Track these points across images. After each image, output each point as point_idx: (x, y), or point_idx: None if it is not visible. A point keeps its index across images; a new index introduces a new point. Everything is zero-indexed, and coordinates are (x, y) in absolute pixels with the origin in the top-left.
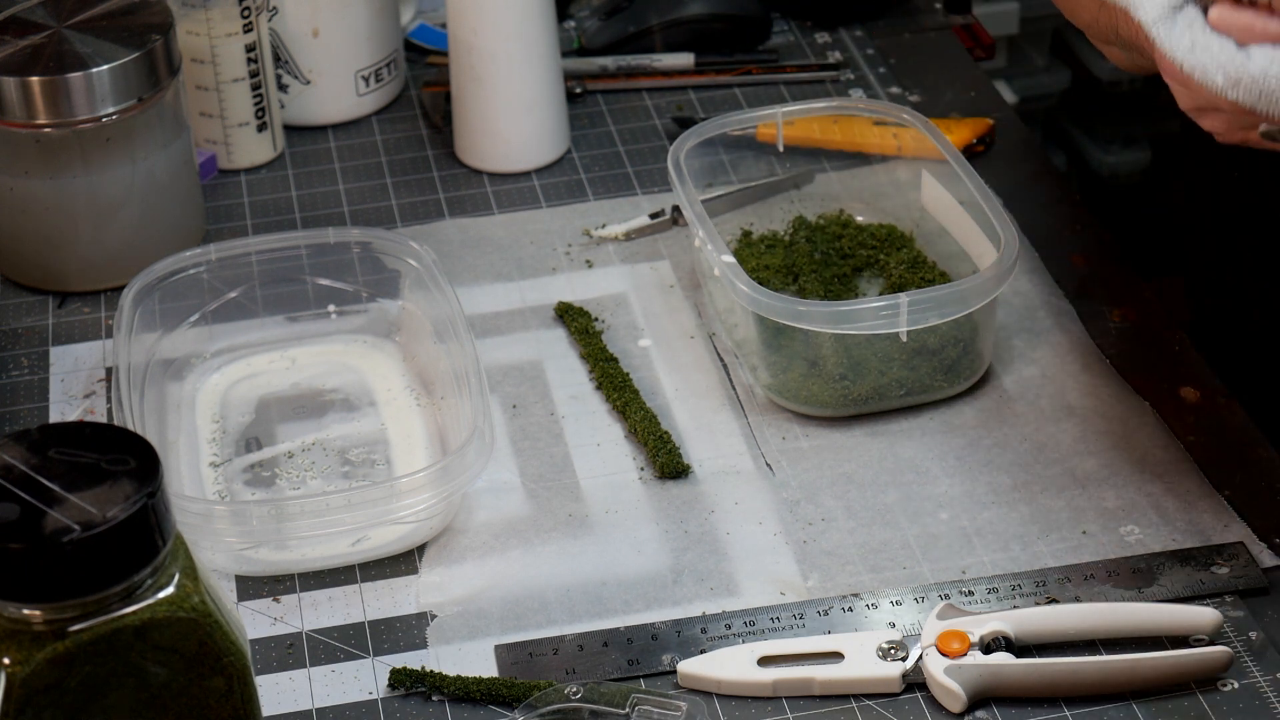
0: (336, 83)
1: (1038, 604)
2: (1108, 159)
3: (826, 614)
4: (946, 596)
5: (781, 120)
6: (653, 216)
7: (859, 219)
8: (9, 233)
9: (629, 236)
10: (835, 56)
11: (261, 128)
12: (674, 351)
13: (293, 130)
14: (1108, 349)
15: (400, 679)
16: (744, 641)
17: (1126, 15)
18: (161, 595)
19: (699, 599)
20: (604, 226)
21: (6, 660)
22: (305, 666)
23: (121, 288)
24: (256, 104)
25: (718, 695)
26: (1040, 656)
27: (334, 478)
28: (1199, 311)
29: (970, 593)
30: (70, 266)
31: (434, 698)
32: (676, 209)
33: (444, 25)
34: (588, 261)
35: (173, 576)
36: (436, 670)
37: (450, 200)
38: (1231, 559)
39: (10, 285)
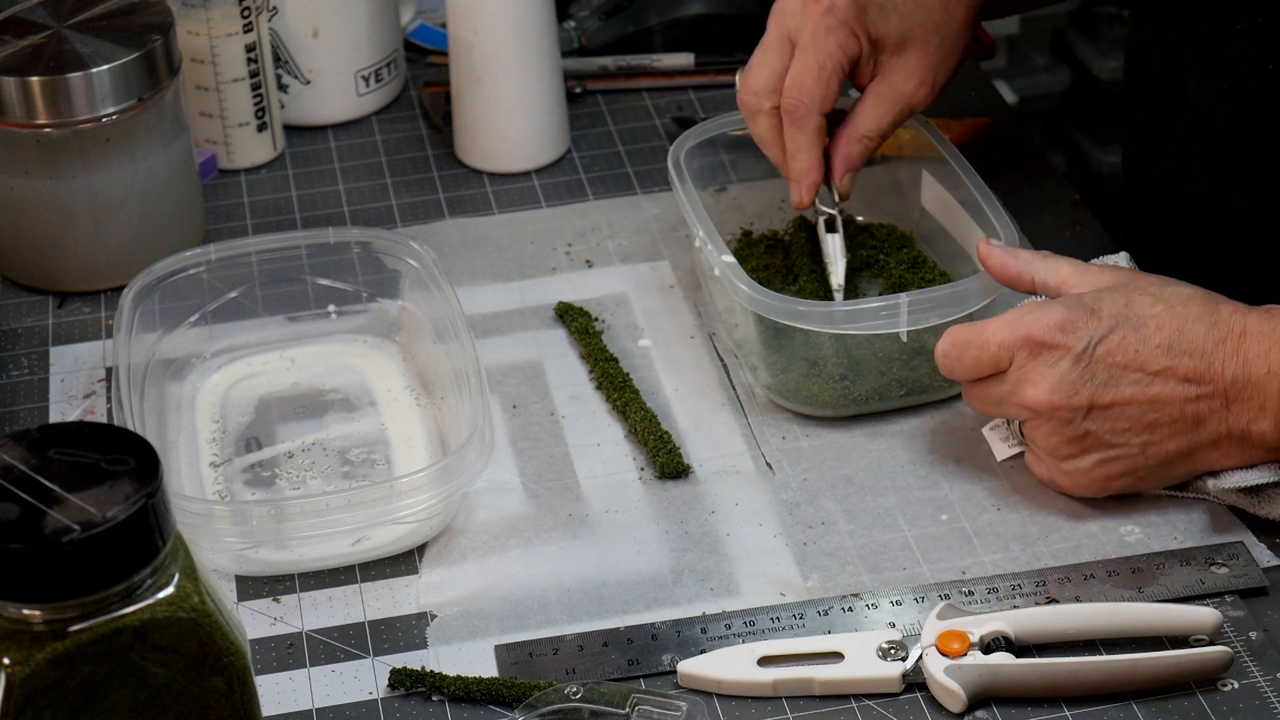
0: (336, 83)
1: (1038, 604)
2: (1108, 159)
3: (826, 614)
4: (946, 596)
5: None
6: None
7: (859, 219)
8: (9, 233)
9: None
10: None
11: (261, 128)
12: (674, 351)
13: (293, 130)
14: None
15: (400, 679)
16: (744, 641)
17: None
18: (161, 595)
19: (699, 599)
20: None
21: (6, 660)
22: (305, 666)
23: (121, 288)
24: (256, 104)
25: (718, 695)
26: (1040, 656)
27: (334, 478)
28: None
29: (970, 593)
30: (70, 266)
31: (434, 698)
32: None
33: (444, 25)
34: (588, 261)
35: (172, 576)
36: (436, 670)
37: (450, 200)
38: (1231, 559)
39: (10, 285)
